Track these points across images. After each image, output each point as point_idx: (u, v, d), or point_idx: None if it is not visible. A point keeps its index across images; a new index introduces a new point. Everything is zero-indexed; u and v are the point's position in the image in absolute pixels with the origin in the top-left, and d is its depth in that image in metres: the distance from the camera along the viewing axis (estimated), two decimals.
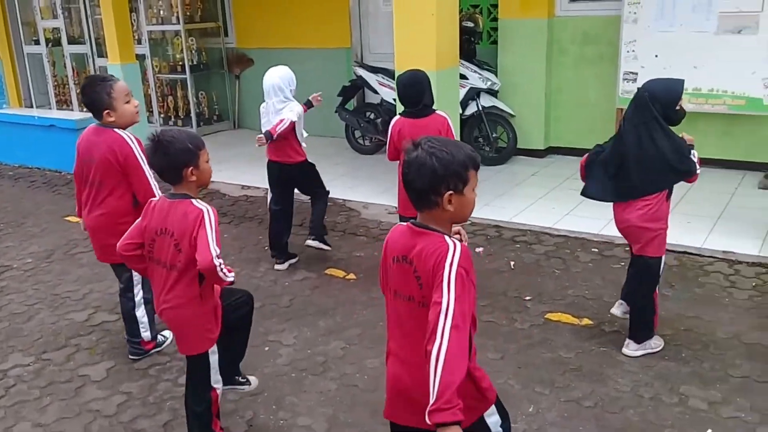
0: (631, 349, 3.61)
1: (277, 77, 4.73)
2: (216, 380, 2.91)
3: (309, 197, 5.12)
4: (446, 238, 1.97)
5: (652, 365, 3.52)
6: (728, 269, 4.52)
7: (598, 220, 5.40)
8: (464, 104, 6.94)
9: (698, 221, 5.22)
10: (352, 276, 4.80)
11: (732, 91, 6.14)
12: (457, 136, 5.49)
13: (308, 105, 4.90)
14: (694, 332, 3.81)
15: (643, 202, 3.44)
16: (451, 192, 1.93)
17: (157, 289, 2.81)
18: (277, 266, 4.97)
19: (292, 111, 4.67)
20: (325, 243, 5.02)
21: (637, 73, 6.55)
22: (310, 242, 4.99)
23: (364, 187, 6.62)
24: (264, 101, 4.85)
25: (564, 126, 7.26)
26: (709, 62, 6.16)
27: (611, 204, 3.69)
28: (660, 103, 3.35)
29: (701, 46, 6.16)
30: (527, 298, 4.32)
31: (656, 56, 6.42)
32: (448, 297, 1.87)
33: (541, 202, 5.96)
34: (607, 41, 6.83)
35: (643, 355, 3.59)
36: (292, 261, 5.03)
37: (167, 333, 3.94)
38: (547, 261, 4.84)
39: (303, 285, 4.71)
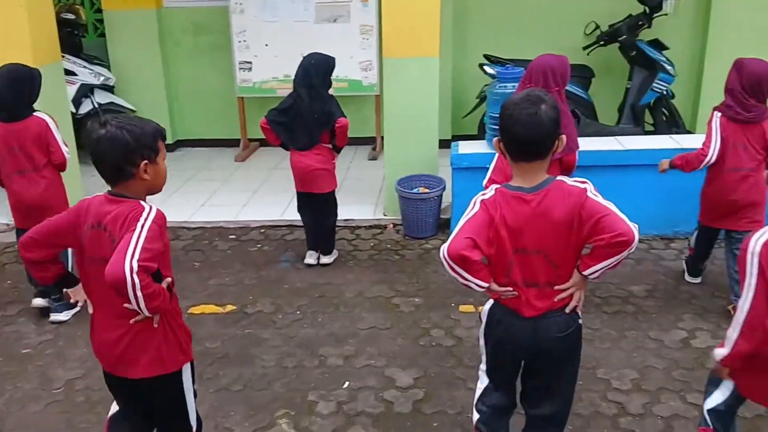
0: (327, 258, 4.51)
1: None
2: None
3: None
4: (142, 203, 2.12)
5: (293, 336, 3.72)
6: (351, 235, 5.01)
7: (233, 207, 5.50)
8: (77, 102, 6.38)
9: None
10: None
11: (336, 75, 6.69)
12: (70, 138, 5.03)
13: None
14: (327, 297, 4.13)
15: (318, 150, 4.27)
16: (146, 162, 2.10)
17: None
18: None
19: None
20: None
21: (251, 62, 6.79)
22: None
23: None
24: None
25: (189, 118, 7.19)
26: (313, 49, 6.52)
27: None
28: (320, 70, 4.21)
29: (304, 35, 6.62)
30: None
31: (267, 45, 6.73)
32: (137, 239, 2.00)
33: (175, 196, 5.82)
34: (219, 31, 6.92)
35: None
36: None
37: None
38: (186, 255, 4.76)
39: None
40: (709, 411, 2.40)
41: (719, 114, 3.71)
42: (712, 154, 3.68)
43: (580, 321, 2.27)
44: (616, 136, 5.13)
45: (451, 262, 2.14)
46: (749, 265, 2.06)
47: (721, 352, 2.18)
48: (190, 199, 5.75)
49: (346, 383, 3.31)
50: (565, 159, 3.47)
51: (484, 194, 2.18)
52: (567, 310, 2.20)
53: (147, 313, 2.07)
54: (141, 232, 2.02)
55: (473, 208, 2.16)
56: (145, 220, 2.05)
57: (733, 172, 3.68)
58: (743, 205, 3.68)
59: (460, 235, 2.12)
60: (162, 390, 2.30)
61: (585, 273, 2.15)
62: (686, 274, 4.18)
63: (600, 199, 2.07)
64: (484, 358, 2.44)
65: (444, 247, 2.14)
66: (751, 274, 2.06)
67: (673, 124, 6.11)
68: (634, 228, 2.03)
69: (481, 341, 2.41)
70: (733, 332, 2.12)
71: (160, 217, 2.10)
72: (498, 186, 2.18)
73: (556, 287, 2.18)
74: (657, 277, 4.22)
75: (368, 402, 3.17)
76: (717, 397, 2.39)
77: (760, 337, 2.06)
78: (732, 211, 3.72)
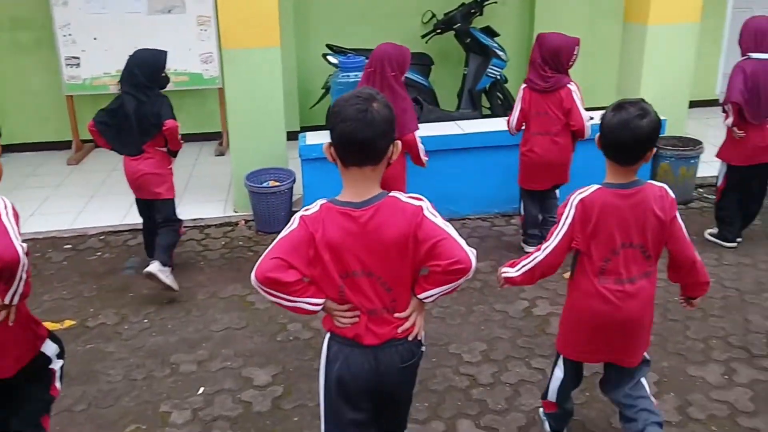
0: (162, 271, 3.84)
1: None
2: None
3: None
4: None
5: (140, 346, 3.53)
6: (200, 235, 4.83)
7: (67, 214, 5.12)
8: None
9: None
10: None
11: (175, 69, 6.44)
12: None
13: None
14: (177, 301, 3.95)
15: (150, 153, 3.96)
16: None
17: None
18: None
19: None
20: None
21: (79, 58, 6.32)
22: None
23: None
24: None
25: (12, 120, 6.56)
26: (149, 42, 6.11)
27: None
28: (146, 68, 3.85)
29: (138, 27, 6.25)
30: None
31: (95, 39, 6.29)
32: (11, 224, 2.04)
33: None
34: (41, 25, 6.38)
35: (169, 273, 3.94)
36: None
37: None
38: None
39: None
40: (554, 388, 2.65)
41: (524, 85, 4.22)
42: (513, 121, 4.23)
43: (423, 349, 2.11)
44: (456, 121, 5.33)
45: (263, 287, 1.91)
46: (564, 215, 2.33)
47: (509, 272, 2.42)
48: (18, 208, 5.25)
49: (201, 389, 3.19)
50: (404, 139, 3.55)
51: (307, 210, 1.95)
52: (410, 338, 2.03)
53: (16, 301, 2.12)
54: (9, 219, 2.05)
55: (291, 225, 1.94)
56: (5, 208, 2.07)
57: (539, 136, 4.19)
58: (550, 165, 4.18)
59: (268, 256, 1.90)
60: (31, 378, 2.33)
61: (420, 297, 2.00)
62: (525, 246, 4.42)
63: (438, 219, 1.92)
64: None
65: (252, 273, 1.91)
66: (564, 223, 2.33)
67: (507, 106, 6.44)
68: (472, 254, 1.91)
69: (321, 396, 2.12)
70: (529, 263, 2.39)
71: (14, 208, 2.12)
72: (324, 201, 1.97)
73: (396, 315, 2.00)
74: (500, 252, 4.42)
75: (225, 405, 3.07)
76: (558, 374, 2.64)
77: (546, 275, 2.41)
78: (542, 170, 4.21)
